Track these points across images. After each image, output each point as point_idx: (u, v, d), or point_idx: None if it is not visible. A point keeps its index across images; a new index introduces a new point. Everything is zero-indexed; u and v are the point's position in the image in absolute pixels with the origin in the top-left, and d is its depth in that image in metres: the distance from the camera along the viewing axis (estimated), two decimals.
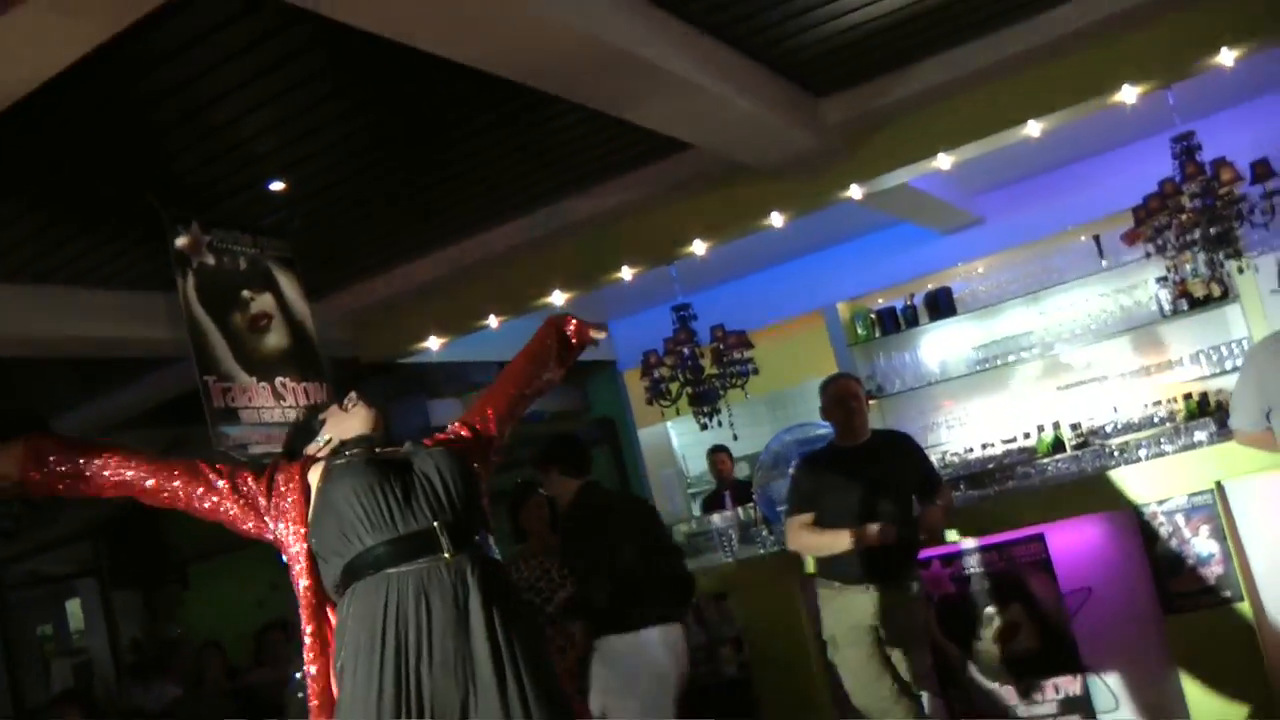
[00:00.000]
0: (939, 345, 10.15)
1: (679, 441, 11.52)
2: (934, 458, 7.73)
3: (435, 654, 3.08)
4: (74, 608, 13.41)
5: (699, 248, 7.74)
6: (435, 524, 3.20)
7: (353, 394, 3.57)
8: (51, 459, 3.31)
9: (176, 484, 3.33)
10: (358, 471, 3.28)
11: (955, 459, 8.62)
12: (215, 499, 3.34)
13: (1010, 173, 9.03)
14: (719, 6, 5.44)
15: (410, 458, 3.38)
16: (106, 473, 3.32)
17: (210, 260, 6.27)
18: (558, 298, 8.26)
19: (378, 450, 3.43)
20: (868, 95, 6.74)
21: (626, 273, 8.07)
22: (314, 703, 3.30)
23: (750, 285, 10.54)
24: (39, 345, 7.03)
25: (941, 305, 9.93)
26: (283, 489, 3.36)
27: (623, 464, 12.36)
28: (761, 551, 7.08)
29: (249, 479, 3.38)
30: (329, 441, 3.51)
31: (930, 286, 10.04)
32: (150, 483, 3.33)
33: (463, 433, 3.67)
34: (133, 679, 9.51)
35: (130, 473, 3.33)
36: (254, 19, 4.63)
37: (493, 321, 8.60)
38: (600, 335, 4.00)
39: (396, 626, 3.09)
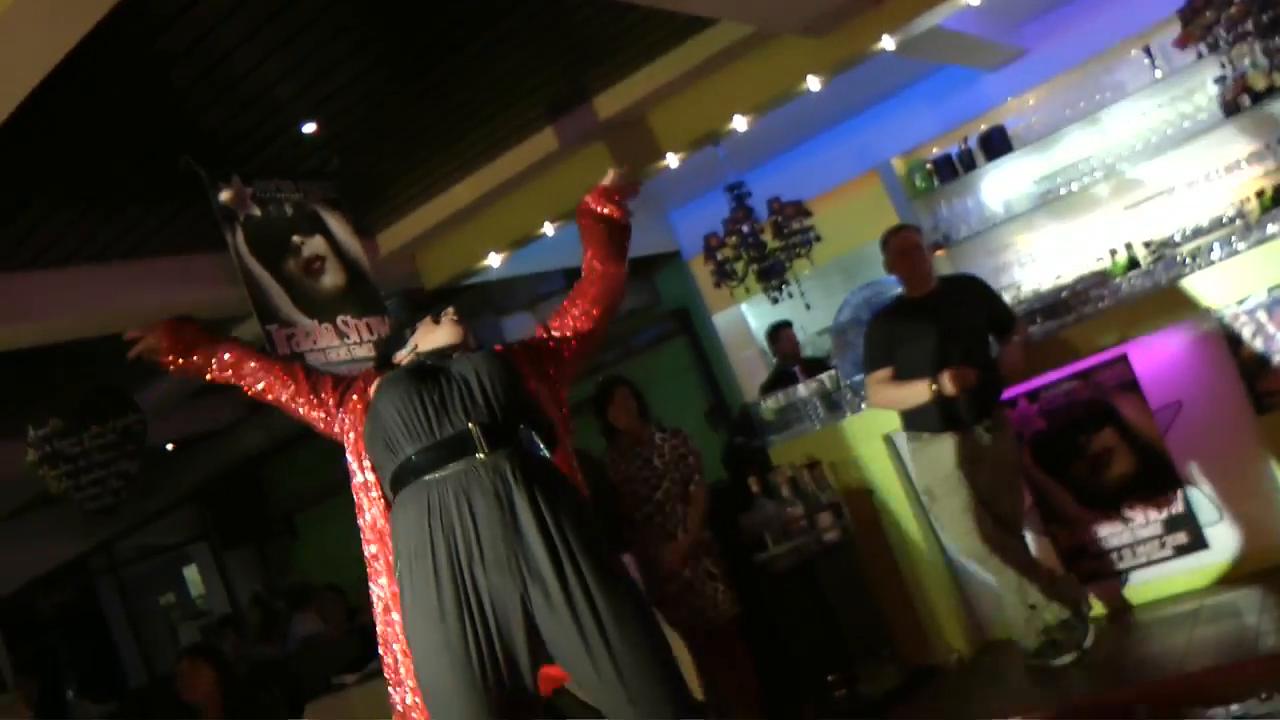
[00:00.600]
0: (1000, 184, 9.94)
1: (756, 324, 11.46)
2: (1008, 297, 7.66)
3: (487, 554, 3.09)
4: (191, 574, 13.70)
5: (740, 123, 7.62)
6: (470, 426, 3.19)
7: (450, 309, 3.62)
8: (188, 337, 3.65)
9: (270, 377, 3.60)
10: (398, 382, 3.31)
11: (1031, 294, 8.48)
12: (291, 395, 3.57)
13: None
14: None
15: (450, 364, 3.38)
16: (225, 356, 3.64)
17: (256, 211, 6.30)
18: None
19: (423, 359, 3.45)
20: None
21: (672, 160, 7.97)
22: (379, 607, 3.38)
23: (801, 154, 10.36)
24: (107, 321, 7.05)
25: (997, 144, 9.71)
26: (352, 401, 3.48)
27: (702, 353, 12.33)
28: (849, 415, 7.04)
29: (328, 385, 3.57)
30: (413, 350, 3.57)
31: (983, 127, 9.80)
32: (254, 366, 3.62)
33: (539, 334, 3.68)
34: (263, 631, 9.69)
35: (234, 355, 3.64)
36: None
37: (549, 229, 8.55)
38: (615, 174, 3.86)
39: (443, 531, 3.11)
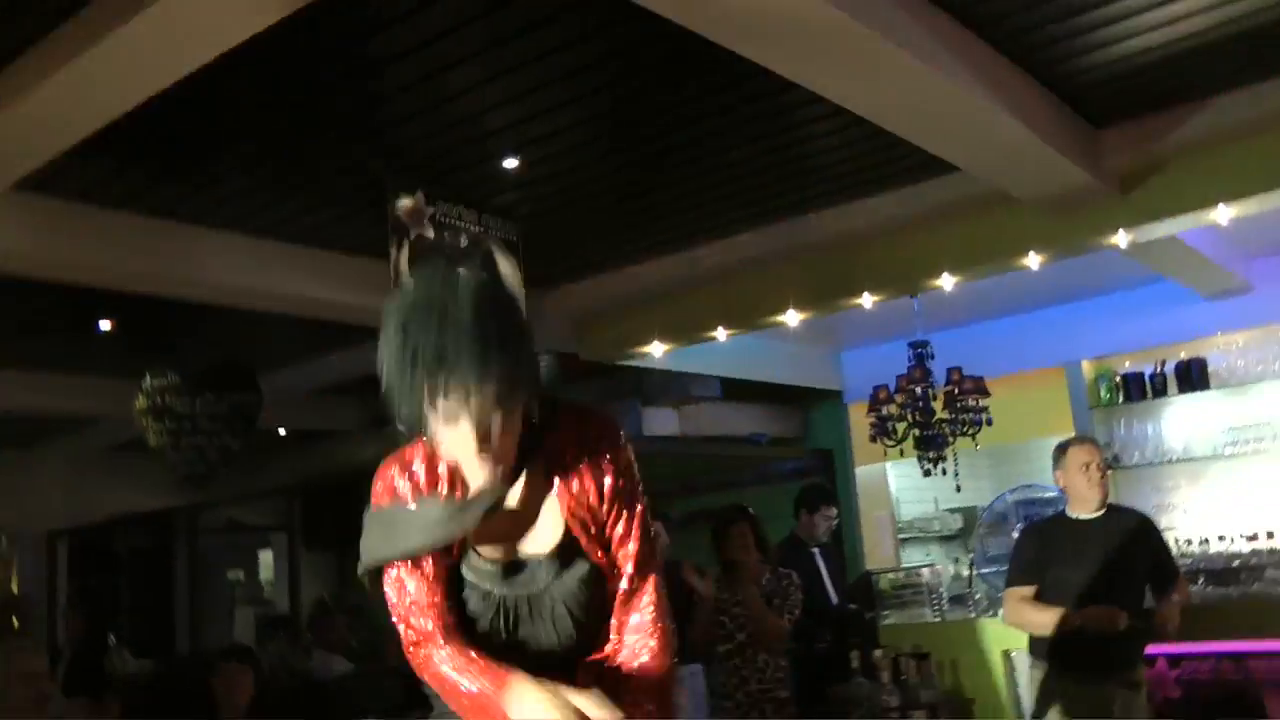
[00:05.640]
0: (1186, 420, 9.26)
1: (896, 485, 10.95)
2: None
3: None
4: (266, 558, 13.56)
5: (947, 281, 7.21)
6: None
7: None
8: None
9: None
10: None
11: (1190, 548, 7.83)
12: None
13: None
14: (1001, 15, 4.90)
15: None
16: None
17: (429, 233, 6.01)
18: (791, 317, 7.84)
19: None
20: (1152, 129, 6.07)
21: (867, 300, 7.59)
22: None
23: (994, 330, 9.88)
24: (252, 298, 6.94)
25: (1194, 376, 9.04)
26: None
27: None
28: (972, 615, 6.54)
29: None
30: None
31: (1184, 355, 9.15)
32: None
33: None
34: (313, 638, 9.30)
35: None
36: None
37: (720, 334, 8.24)
38: None
39: None
